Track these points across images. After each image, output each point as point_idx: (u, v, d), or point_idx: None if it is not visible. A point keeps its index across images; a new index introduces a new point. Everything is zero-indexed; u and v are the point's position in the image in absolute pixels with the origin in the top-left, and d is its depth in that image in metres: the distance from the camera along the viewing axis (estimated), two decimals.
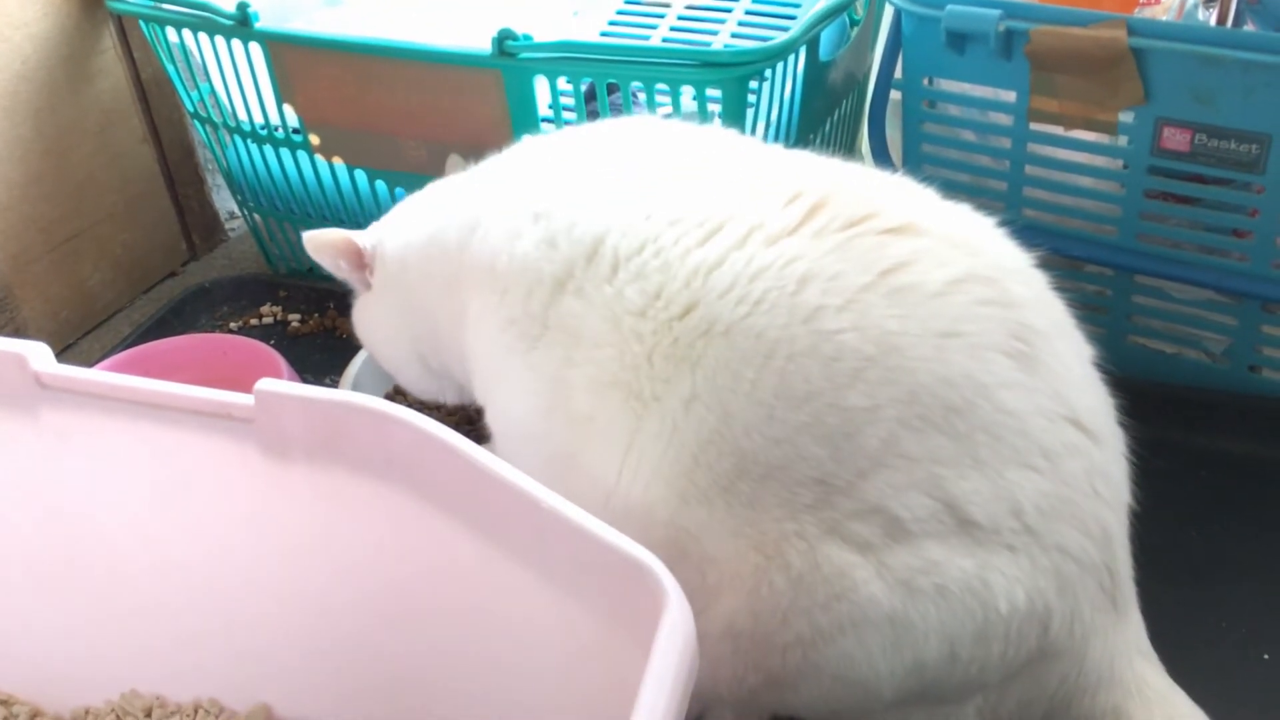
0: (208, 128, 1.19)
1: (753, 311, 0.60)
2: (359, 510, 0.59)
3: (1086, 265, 0.99)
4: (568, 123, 0.97)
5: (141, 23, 1.13)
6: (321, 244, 0.82)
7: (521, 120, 0.98)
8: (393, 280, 0.81)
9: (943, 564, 0.57)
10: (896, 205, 0.64)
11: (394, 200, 1.10)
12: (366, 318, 0.86)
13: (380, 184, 1.10)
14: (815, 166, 0.70)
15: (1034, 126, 0.94)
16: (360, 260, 0.83)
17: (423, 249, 0.78)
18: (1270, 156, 0.84)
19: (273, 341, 1.09)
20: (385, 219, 0.84)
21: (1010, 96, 0.94)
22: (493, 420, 0.74)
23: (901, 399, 0.57)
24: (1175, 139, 0.87)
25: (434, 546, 0.58)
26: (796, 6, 1.16)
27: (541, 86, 0.97)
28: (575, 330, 0.66)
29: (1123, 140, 0.91)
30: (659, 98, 0.94)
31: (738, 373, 0.60)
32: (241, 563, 0.63)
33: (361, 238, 0.82)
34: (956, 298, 0.59)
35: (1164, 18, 0.90)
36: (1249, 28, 0.88)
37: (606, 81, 0.93)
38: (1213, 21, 0.89)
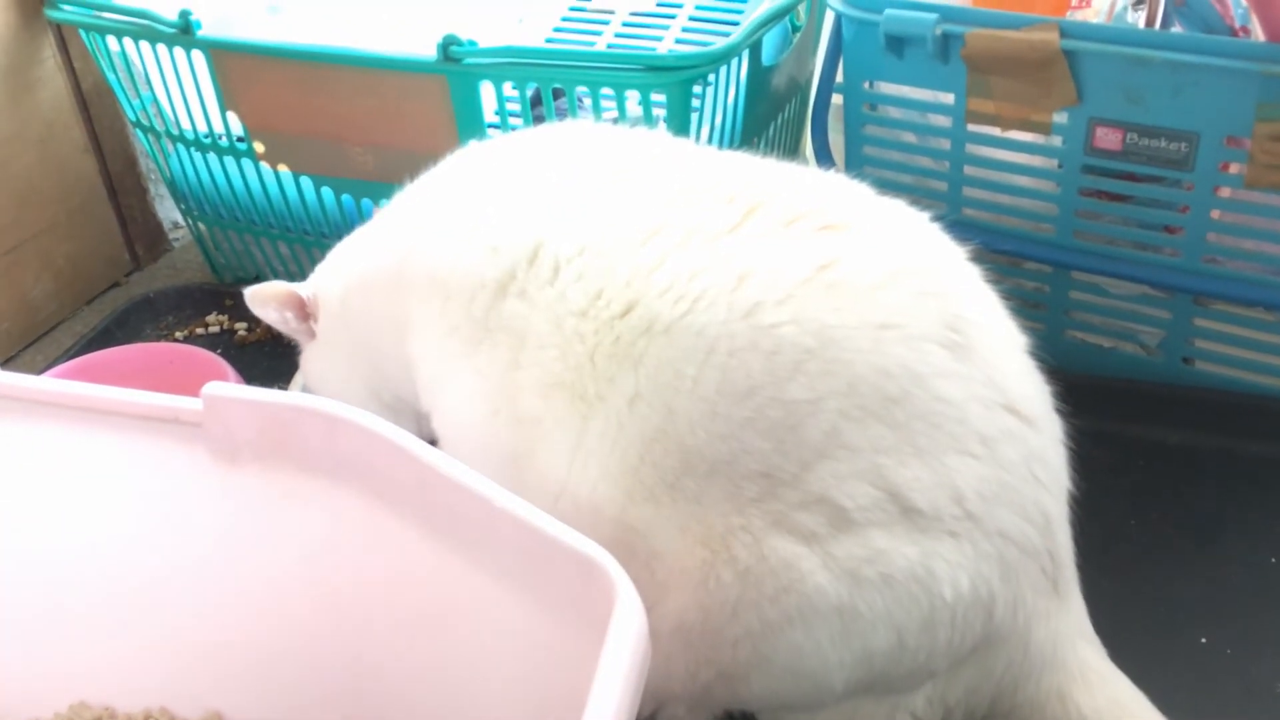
0: (150, 137, 1.18)
1: (692, 309, 0.61)
2: (310, 513, 0.59)
3: (1025, 262, 1.01)
4: (514, 128, 0.98)
5: (82, 32, 1.12)
6: (265, 297, 0.82)
7: (467, 125, 0.98)
8: (337, 321, 0.81)
9: (888, 552, 0.58)
10: (832, 202, 0.66)
11: (340, 206, 1.10)
12: (317, 366, 0.86)
13: (326, 190, 1.10)
14: (752, 168, 0.71)
15: (972, 128, 0.96)
16: (303, 309, 0.83)
17: (362, 278, 0.79)
18: (1199, 154, 0.87)
19: (219, 350, 1.08)
20: (321, 267, 0.85)
21: (948, 99, 0.96)
22: (440, 426, 0.74)
23: (841, 390, 0.58)
24: (1108, 138, 0.90)
25: (386, 547, 0.58)
26: (739, 13, 1.17)
27: (487, 92, 0.97)
28: (519, 332, 0.67)
29: (1057, 140, 0.93)
30: (604, 102, 0.95)
31: (679, 370, 0.61)
32: (191, 568, 0.62)
33: (302, 288, 0.83)
34: (892, 290, 0.61)
35: (1095, 20, 0.93)
36: (1176, 29, 0.91)
37: (552, 86, 0.94)
38: (1141, 23, 0.91)
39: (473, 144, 0.80)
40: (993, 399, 0.60)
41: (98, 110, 1.27)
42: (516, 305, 0.67)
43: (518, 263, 0.67)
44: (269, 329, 1.16)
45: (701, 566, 0.60)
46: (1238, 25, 0.86)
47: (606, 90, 0.93)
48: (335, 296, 0.81)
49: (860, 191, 0.69)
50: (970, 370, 0.60)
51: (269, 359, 1.11)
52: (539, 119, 0.98)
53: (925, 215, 0.68)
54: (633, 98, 0.93)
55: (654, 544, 0.62)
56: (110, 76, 1.14)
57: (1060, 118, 0.91)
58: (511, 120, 0.98)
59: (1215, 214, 0.90)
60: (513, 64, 0.94)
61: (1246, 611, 0.79)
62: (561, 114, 0.98)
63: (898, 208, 0.68)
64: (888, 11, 0.93)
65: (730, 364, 0.60)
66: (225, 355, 1.02)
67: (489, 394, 0.68)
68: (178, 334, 1.16)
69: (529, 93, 0.97)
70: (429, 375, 0.74)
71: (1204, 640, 0.77)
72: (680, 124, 0.93)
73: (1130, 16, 0.91)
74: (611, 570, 0.48)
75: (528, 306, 0.66)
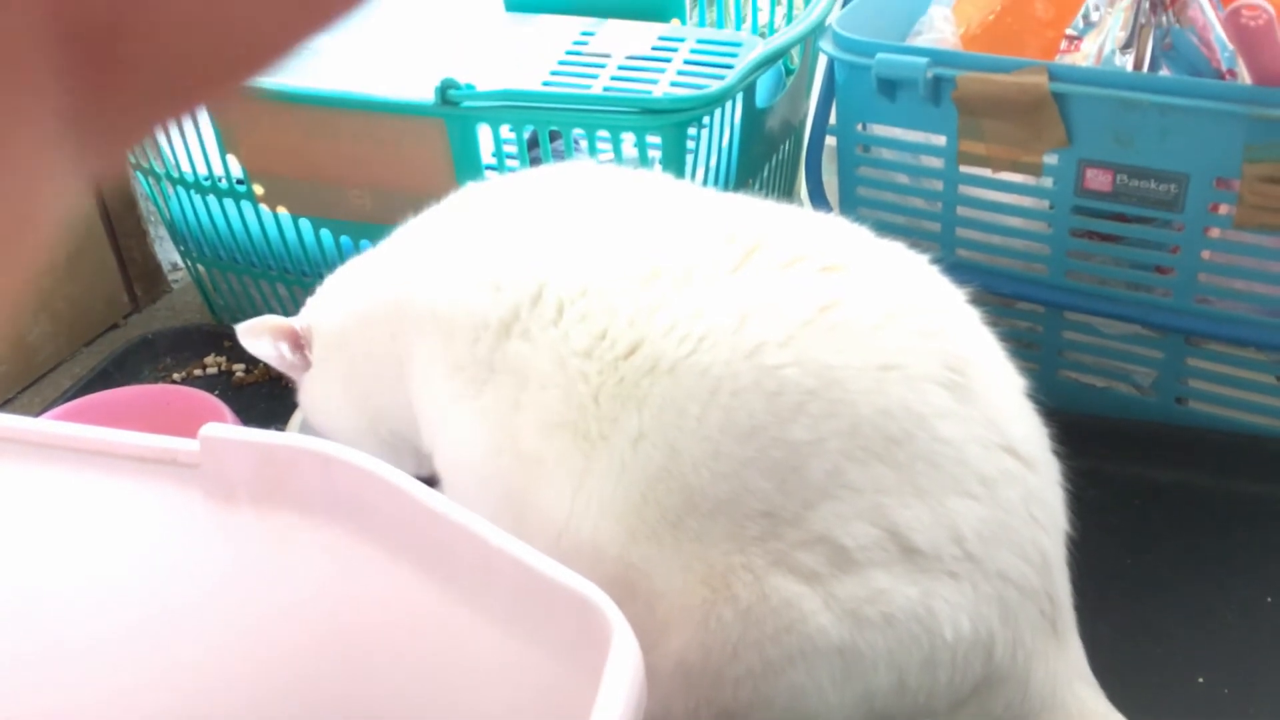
0: (150, 180, 1.19)
1: (696, 349, 0.62)
2: (306, 553, 0.60)
3: (1018, 302, 1.01)
4: (511, 170, 0.99)
5: None
6: (258, 331, 0.82)
7: (465, 167, 0.99)
8: (333, 353, 0.81)
9: (889, 592, 0.58)
10: (832, 244, 0.66)
11: (339, 248, 1.11)
12: (313, 397, 0.86)
13: (325, 232, 1.11)
14: (751, 209, 0.72)
15: (963, 169, 0.97)
16: (298, 341, 0.83)
17: (360, 311, 0.79)
18: (1189, 195, 0.88)
19: (217, 392, 1.08)
20: (315, 297, 0.85)
21: (940, 140, 0.97)
22: (442, 464, 0.74)
23: (844, 431, 0.59)
24: (1098, 179, 0.90)
25: (382, 587, 0.58)
26: (734, 56, 1.19)
27: (485, 134, 0.98)
28: (522, 372, 0.67)
29: (1048, 181, 0.94)
30: (600, 145, 0.96)
31: (683, 409, 0.61)
32: (187, 609, 0.62)
33: (296, 320, 0.83)
34: (892, 331, 0.61)
35: (1083, 64, 0.94)
36: (1164, 73, 0.92)
37: (549, 129, 0.95)
38: (1130, 67, 0.93)
39: (472, 184, 0.81)
40: (992, 440, 0.61)
41: None
42: (520, 346, 0.67)
43: (521, 303, 0.68)
44: (267, 370, 1.16)
45: (703, 605, 0.60)
46: (1225, 68, 0.87)
47: (602, 133, 0.94)
48: (331, 328, 0.81)
49: (859, 233, 0.70)
50: (970, 411, 0.61)
51: (267, 400, 1.11)
52: (536, 161, 0.99)
53: (923, 258, 0.69)
54: (628, 140, 0.94)
55: (656, 583, 0.62)
56: None
57: (1051, 159, 0.92)
58: (508, 162, 0.99)
59: (1205, 254, 0.91)
60: (510, 107, 0.95)
61: (1244, 652, 0.79)
62: (558, 156, 0.99)
63: (897, 250, 0.69)
64: (880, 55, 0.95)
65: (734, 404, 0.60)
66: (223, 396, 1.02)
67: (491, 433, 0.68)
68: (176, 375, 1.16)
69: (526, 135, 0.98)
70: (431, 414, 0.74)
71: (1201, 680, 0.77)
72: (675, 166, 0.94)
73: (1118, 60, 0.92)
74: (608, 611, 0.48)
75: (531, 347, 0.67)
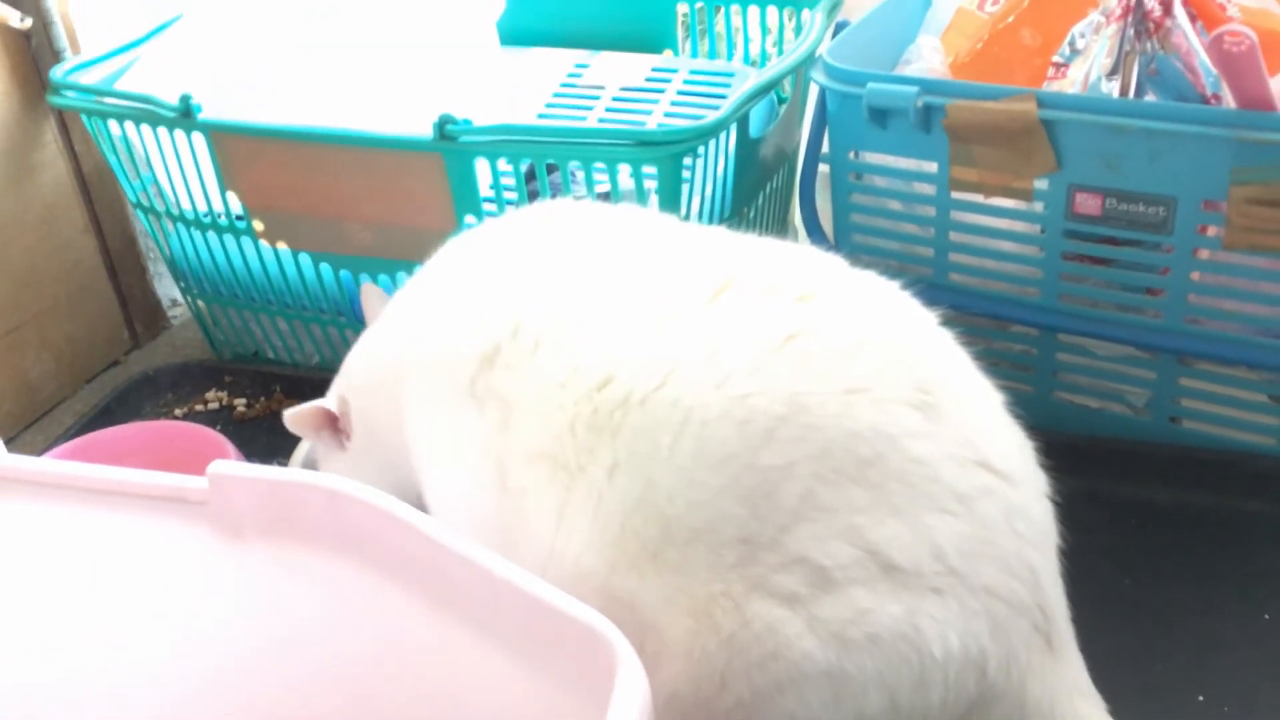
0: (150, 217, 1.20)
1: (666, 380, 0.63)
2: (315, 588, 0.60)
3: (1013, 325, 1.03)
4: (509, 203, 1.00)
5: (84, 117, 1.15)
6: (302, 421, 0.84)
7: (463, 201, 1.00)
8: (362, 426, 0.83)
9: (872, 611, 0.59)
10: (804, 274, 0.68)
11: (339, 282, 1.12)
12: (345, 468, 0.85)
13: (325, 267, 1.12)
14: (725, 243, 0.73)
15: (955, 195, 0.98)
16: (334, 423, 0.84)
17: (367, 381, 0.82)
18: (1177, 218, 0.89)
19: (219, 427, 1.09)
20: (337, 378, 0.86)
21: (932, 167, 0.98)
22: (432, 501, 0.75)
23: (814, 455, 0.59)
24: (1087, 204, 0.92)
25: (390, 620, 0.58)
26: (727, 87, 1.20)
27: (482, 168, 0.99)
28: (506, 403, 0.68)
29: (1039, 206, 0.95)
30: (597, 176, 0.97)
31: (656, 440, 0.62)
32: (196, 645, 0.63)
33: (327, 402, 0.84)
34: (860, 356, 0.62)
35: (1071, 90, 0.95)
36: (1150, 98, 0.93)
37: (546, 162, 0.96)
38: (1116, 93, 0.94)
39: (462, 235, 0.82)
40: (967, 457, 0.61)
41: (98, 192, 1.29)
42: (503, 375, 0.69)
43: (501, 337, 0.69)
44: (268, 404, 1.17)
45: (687, 636, 0.61)
46: (1209, 93, 0.89)
47: (599, 165, 0.95)
48: (359, 403, 0.83)
49: (831, 262, 0.71)
50: (942, 430, 0.61)
51: (268, 435, 1.12)
52: (534, 194, 1.00)
53: (895, 284, 0.70)
54: (625, 171, 0.95)
55: (641, 616, 0.62)
56: (111, 159, 1.16)
57: (1041, 184, 0.93)
58: (506, 195, 1.00)
59: (1195, 275, 0.92)
60: (508, 141, 0.96)
61: (1242, 668, 0.80)
62: (555, 188, 1.00)
63: (868, 277, 0.70)
64: (871, 85, 0.96)
65: (705, 434, 0.61)
66: (225, 431, 1.03)
67: (478, 465, 0.70)
68: (177, 411, 1.17)
69: (524, 168, 0.99)
70: (421, 452, 0.75)
71: (1201, 699, 0.78)
72: (672, 196, 0.95)
73: (1105, 86, 0.94)
74: (614, 638, 0.49)
75: (513, 377, 0.68)
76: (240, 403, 1.17)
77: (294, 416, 0.84)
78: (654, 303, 0.66)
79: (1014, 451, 0.65)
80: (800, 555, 0.59)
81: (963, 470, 0.61)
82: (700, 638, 0.60)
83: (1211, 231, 0.89)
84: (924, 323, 0.68)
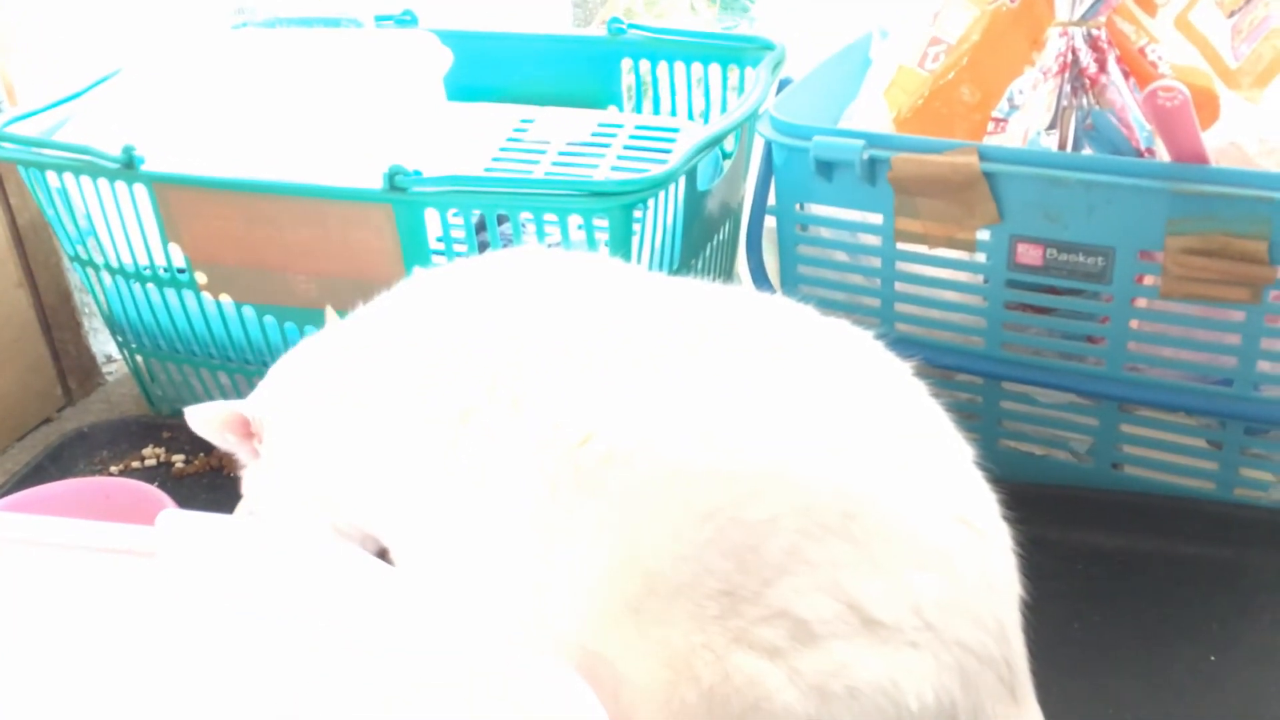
0: (88, 270, 1.18)
1: (650, 437, 0.63)
2: (268, 639, 0.59)
3: (958, 374, 1.04)
4: (458, 254, 0.99)
5: (21, 169, 1.12)
6: (206, 418, 0.81)
7: (412, 252, 1.00)
8: (283, 442, 0.80)
9: (852, 665, 0.59)
10: (779, 326, 0.68)
11: (283, 335, 1.10)
12: (261, 488, 0.84)
13: (270, 319, 1.10)
14: (698, 292, 0.74)
15: (900, 246, 1.00)
16: (248, 430, 0.81)
17: (313, 400, 0.78)
18: (1116, 267, 0.91)
19: (157, 483, 1.06)
20: (266, 382, 0.84)
21: (877, 219, 1.00)
22: (400, 557, 0.74)
23: (799, 509, 0.60)
24: (1029, 254, 0.94)
25: (346, 667, 0.57)
26: (671, 142, 1.21)
27: (432, 218, 0.99)
28: (481, 463, 0.67)
29: (981, 257, 0.97)
30: (547, 228, 0.97)
31: (641, 496, 0.62)
32: (147, 700, 0.61)
33: (245, 408, 0.81)
34: (841, 410, 0.63)
35: (1011, 144, 0.98)
36: (1087, 151, 0.96)
37: (497, 212, 0.96)
38: (1055, 147, 0.97)
39: (422, 271, 0.81)
40: (946, 512, 0.62)
41: (33, 246, 1.27)
42: (479, 437, 0.68)
43: (477, 395, 0.68)
44: (207, 460, 1.14)
45: (665, 688, 0.60)
46: (1143, 147, 0.92)
47: (550, 216, 0.96)
48: (282, 417, 0.80)
49: (804, 313, 0.72)
50: (922, 485, 0.62)
51: (208, 490, 1.10)
52: (484, 245, 1.00)
53: (868, 334, 0.70)
54: (576, 222, 0.95)
55: (619, 669, 0.61)
56: (49, 212, 1.14)
57: (984, 235, 0.95)
58: (456, 247, 1.00)
59: (1134, 324, 0.94)
60: (460, 192, 0.96)
61: (1190, 709, 0.81)
62: (505, 239, 1.00)
63: (842, 327, 0.70)
64: (817, 138, 0.98)
65: (690, 489, 0.61)
66: (164, 488, 1.00)
67: (453, 525, 0.69)
68: (113, 468, 1.14)
69: (474, 219, 0.99)
70: (388, 506, 0.73)
71: None
72: (622, 247, 0.96)
73: (1044, 140, 0.96)
74: (586, 696, 0.48)
75: (488, 438, 0.67)
76: (179, 459, 1.15)
77: (200, 416, 0.80)
78: (632, 355, 0.66)
79: (985, 505, 0.66)
80: (783, 609, 0.59)
81: (942, 525, 0.62)
82: (679, 689, 0.59)
83: (1149, 281, 0.91)
84: (899, 373, 0.69)
